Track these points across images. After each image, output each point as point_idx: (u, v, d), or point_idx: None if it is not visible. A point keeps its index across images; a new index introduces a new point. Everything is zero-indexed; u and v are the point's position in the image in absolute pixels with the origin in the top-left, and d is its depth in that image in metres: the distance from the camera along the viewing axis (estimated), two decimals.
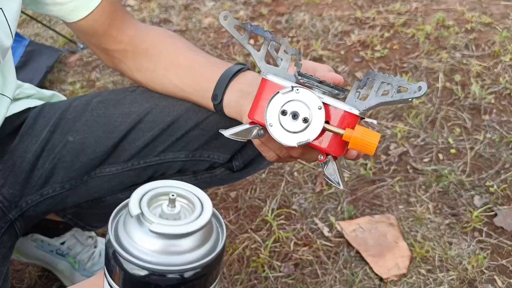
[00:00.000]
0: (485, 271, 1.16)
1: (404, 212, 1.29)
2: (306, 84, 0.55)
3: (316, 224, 1.27)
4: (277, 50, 0.56)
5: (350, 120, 0.51)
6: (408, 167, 1.41)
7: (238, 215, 1.29)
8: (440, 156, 1.44)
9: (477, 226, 1.25)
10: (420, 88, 0.49)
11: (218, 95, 0.73)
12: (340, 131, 0.51)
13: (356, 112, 0.51)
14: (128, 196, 1.02)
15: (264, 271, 1.16)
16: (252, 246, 1.21)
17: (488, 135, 1.48)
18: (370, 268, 1.16)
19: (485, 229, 1.24)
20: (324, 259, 1.19)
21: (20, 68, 1.62)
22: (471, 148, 1.45)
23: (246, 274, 1.16)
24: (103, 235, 1.16)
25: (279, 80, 0.53)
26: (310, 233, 1.25)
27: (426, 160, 1.43)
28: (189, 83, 0.78)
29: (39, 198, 0.82)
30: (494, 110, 1.55)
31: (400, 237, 1.23)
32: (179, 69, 0.79)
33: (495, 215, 1.27)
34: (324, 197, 1.34)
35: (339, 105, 0.51)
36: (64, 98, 0.97)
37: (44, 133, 0.82)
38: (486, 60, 1.74)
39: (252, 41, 1.94)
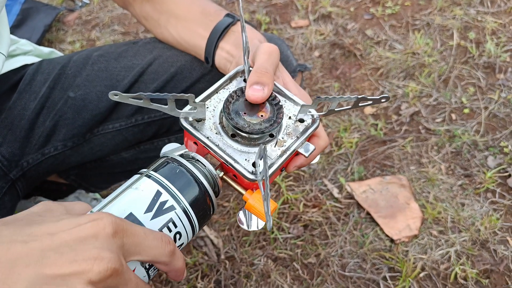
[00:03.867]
0: (498, 232, 1.14)
1: (415, 173, 1.26)
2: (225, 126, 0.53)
3: (325, 186, 1.25)
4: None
5: (251, 183, 0.51)
6: (420, 127, 1.37)
7: None
8: (453, 116, 1.39)
9: (490, 187, 1.22)
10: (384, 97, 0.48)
11: (208, 58, 0.70)
12: (242, 190, 0.52)
13: (252, 178, 0.49)
14: (133, 155, 0.98)
15: (272, 232, 1.14)
16: None
17: (503, 95, 1.43)
18: (381, 229, 1.14)
19: (498, 190, 1.21)
20: (334, 221, 1.17)
21: (17, 27, 1.56)
22: (485, 108, 1.40)
23: (254, 235, 1.14)
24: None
25: (194, 131, 0.53)
26: (319, 195, 1.22)
27: (438, 120, 1.38)
28: (185, 37, 0.74)
29: (40, 157, 0.79)
30: (510, 69, 1.50)
31: (411, 198, 1.20)
32: (177, 20, 0.74)
33: (509, 176, 1.24)
34: (333, 158, 1.30)
35: (239, 168, 0.50)
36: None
37: (44, 89, 0.78)
38: (502, 17, 1.67)
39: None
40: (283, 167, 0.54)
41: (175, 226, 0.44)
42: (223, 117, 0.53)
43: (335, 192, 1.23)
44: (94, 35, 1.72)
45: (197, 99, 0.54)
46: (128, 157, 0.87)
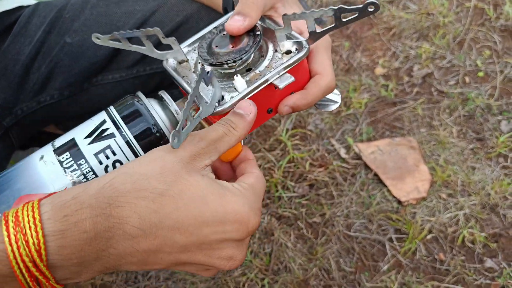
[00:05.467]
0: (509, 197, 1.11)
1: (426, 136, 1.22)
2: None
3: (332, 145, 1.21)
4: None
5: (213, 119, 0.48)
6: (432, 89, 1.32)
7: (251, 134, 1.24)
8: (467, 79, 1.34)
9: (502, 151, 1.18)
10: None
11: (227, 8, 0.64)
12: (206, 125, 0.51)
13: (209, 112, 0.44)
14: None
15: (277, 191, 1.12)
16: (266, 165, 1.16)
17: None
18: (389, 190, 1.11)
19: (510, 155, 1.18)
20: (340, 181, 1.14)
21: None
22: (501, 72, 1.35)
23: None
24: None
25: (170, 70, 0.51)
26: (326, 154, 1.19)
27: (451, 82, 1.34)
28: None
29: (35, 105, 0.76)
30: None
31: (421, 160, 1.17)
32: None
33: None
34: (341, 118, 1.26)
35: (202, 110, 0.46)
36: None
37: (39, 33, 0.75)
38: None
39: None
40: (270, 108, 0.49)
41: (114, 154, 0.45)
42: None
43: (343, 152, 1.20)
44: None
45: (185, 43, 0.52)
46: None
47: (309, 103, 0.49)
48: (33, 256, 0.34)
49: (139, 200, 0.36)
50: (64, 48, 0.74)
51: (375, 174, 1.14)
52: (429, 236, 1.05)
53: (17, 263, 0.34)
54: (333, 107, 0.52)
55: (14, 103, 0.74)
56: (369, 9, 0.40)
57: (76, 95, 0.77)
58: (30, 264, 0.34)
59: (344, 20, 0.42)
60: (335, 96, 0.52)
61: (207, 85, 0.43)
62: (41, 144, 1.06)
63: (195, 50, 0.53)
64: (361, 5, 0.40)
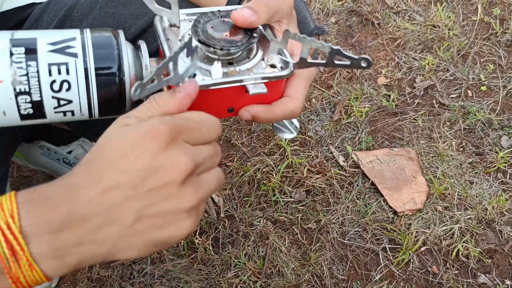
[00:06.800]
0: (506, 213, 1.11)
1: (425, 147, 1.23)
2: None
3: (331, 153, 1.22)
4: None
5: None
6: (434, 101, 1.33)
7: (251, 138, 1.25)
8: (469, 92, 1.35)
9: (501, 167, 1.19)
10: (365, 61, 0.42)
11: None
12: None
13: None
14: (138, 104, 0.96)
15: (274, 195, 1.13)
16: (264, 169, 1.17)
17: None
18: (385, 200, 1.12)
19: (510, 171, 1.18)
20: (337, 188, 1.15)
21: None
22: (504, 87, 1.35)
23: (255, 197, 1.13)
24: None
25: (159, 29, 0.50)
26: (324, 161, 1.20)
27: (453, 95, 1.34)
28: None
29: None
30: None
31: (419, 171, 1.17)
32: None
33: None
34: (342, 126, 1.27)
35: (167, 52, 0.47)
36: None
37: None
38: None
39: None
40: (232, 108, 0.49)
41: (67, 73, 0.43)
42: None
43: (341, 160, 1.21)
44: None
45: (185, 10, 0.52)
46: (133, 104, 0.85)
47: (269, 119, 0.49)
48: (7, 219, 0.35)
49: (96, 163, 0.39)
50: None
51: (372, 183, 1.15)
52: (423, 248, 1.06)
53: None
54: (287, 136, 0.53)
55: None
56: (362, 64, 0.41)
57: None
58: (4, 226, 0.35)
59: (335, 62, 0.43)
60: (294, 127, 0.52)
61: (187, 56, 0.42)
62: (47, 137, 1.08)
63: (190, 21, 0.52)
64: (357, 57, 0.41)
